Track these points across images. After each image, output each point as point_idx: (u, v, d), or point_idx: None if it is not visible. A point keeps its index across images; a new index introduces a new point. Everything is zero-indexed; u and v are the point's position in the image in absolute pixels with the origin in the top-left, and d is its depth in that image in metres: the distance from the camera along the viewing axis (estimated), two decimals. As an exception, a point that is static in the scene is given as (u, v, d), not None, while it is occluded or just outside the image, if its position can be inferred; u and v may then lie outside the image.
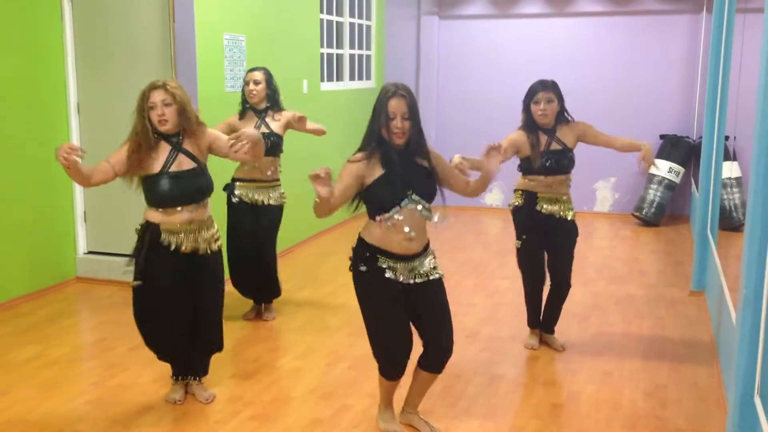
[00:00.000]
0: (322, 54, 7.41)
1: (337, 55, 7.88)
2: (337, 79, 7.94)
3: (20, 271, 5.25)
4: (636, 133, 8.24)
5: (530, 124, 4.20)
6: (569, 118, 4.28)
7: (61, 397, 3.75)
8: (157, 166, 3.41)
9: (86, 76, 5.66)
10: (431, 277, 3.15)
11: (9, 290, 5.16)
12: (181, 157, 3.44)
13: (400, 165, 3.04)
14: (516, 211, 4.29)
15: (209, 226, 3.56)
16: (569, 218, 4.26)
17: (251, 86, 4.68)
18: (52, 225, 5.54)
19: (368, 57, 8.67)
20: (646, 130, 8.23)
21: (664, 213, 7.97)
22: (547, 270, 4.36)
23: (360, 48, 8.44)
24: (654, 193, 7.91)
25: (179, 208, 3.43)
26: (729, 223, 6.16)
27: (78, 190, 5.72)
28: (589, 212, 8.56)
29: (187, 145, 3.47)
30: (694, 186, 7.75)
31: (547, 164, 4.14)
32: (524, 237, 4.25)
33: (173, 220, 3.43)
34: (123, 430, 3.42)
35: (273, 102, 4.77)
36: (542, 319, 4.46)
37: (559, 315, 4.47)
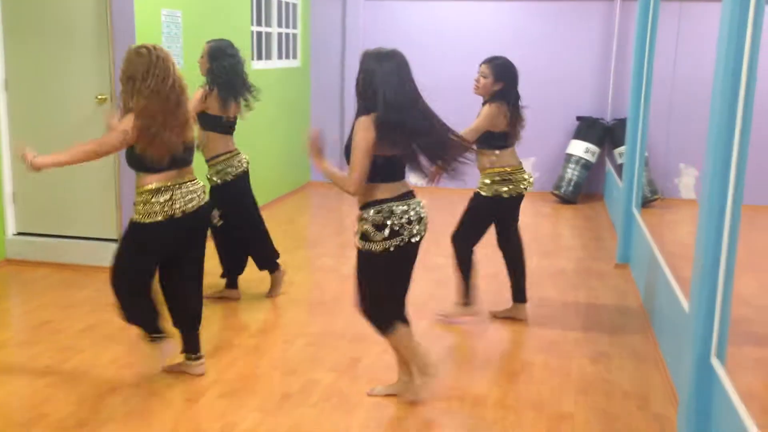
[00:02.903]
0: (251, 32, 7.34)
1: (265, 33, 7.81)
2: (266, 58, 7.88)
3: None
4: (555, 115, 8.67)
5: None
6: (504, 100, 4.38)
7: (19, 382, 3.66)
8: None
9: (14, 50, 5.42)
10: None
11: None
12: None
13: None
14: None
15: None
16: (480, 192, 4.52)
17: None
18: (-21, 206, 5.30)
19: (294, 36, 8.64)
20: (563, 112, 8.63)
21: (580, 191, 8.38)
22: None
23: (287, 27, 8.39)
24: (572, 173, 8.30)
25: None
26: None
27: (6, 170, 5.48)
28: (509, 191, 8.87)
29: None
30: (609, 165, 8.18)
31: None
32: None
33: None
34: (92, 411, 3.38)
35: None
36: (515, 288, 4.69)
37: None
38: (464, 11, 8.75)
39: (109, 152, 3.47)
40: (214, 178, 4.66)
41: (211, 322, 4.51)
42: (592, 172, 8.45)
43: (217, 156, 4.65)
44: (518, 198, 4.53)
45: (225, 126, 4.66)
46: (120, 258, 3.55)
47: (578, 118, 8.51)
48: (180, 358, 3.80)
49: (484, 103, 4.44)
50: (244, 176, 4.76)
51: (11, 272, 5.40)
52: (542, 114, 8.76)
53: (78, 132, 5.14)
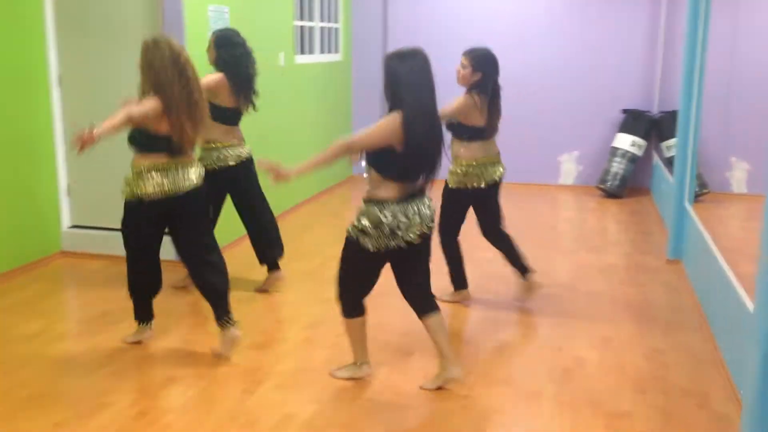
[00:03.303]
0: (295, 26, 7.37)
1: (307, 27, 7.83)
2: (309, 52, 7.91)
3: (4, 246, 5.11)
4: (599, 107, 8.56)
5: None
6: (482, 91, 4.38)
7: (80, 370, 3.74)
8: None
9: (68, 47, 5.51)
10: None
11: (-5, 265, 5.04)
12: None
13: None
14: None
15: None
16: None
17: None
18: (35, 199, 5.40)
19: (336, 30, 8.65)
20: (607, 105, 8.51)
21: (626, 185, 8.27)
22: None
23: (328, 21, 8.41)
24: (618, 166, 8.19)
25: None
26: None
27: (62, 164, 5.59)
28: (553, 185, 8.80)
29: None
30: (656, 158, 8.06)
31: None
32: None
33: None
34: (151, 400, 3.45)
35: None
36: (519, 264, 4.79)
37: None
38: (506, 3, 8.66)
39: (139, 120, 3.58)
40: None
41: (261, 316, 4.56)
42: (638, 165, 8.33)
43: (211, 143, 4.63)
44: (486, 190, 4.51)
45: (227, 116, 4.64)
46: (123, 234, 3.88)
47: (624, 111, 8.39)
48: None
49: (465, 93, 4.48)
50: (232, 169, 4.70)
51: (66, 264, 5.51)
52: (586, 106, 8.69)
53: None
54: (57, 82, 5.54)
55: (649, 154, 8.36)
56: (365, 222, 3.32)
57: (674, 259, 5.73)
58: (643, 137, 8.18)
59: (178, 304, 4.67)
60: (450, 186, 4.55)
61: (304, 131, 7.53)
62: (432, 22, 8.74)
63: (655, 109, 8.32)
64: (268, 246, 4.99)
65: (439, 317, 3.58)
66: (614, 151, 8.25)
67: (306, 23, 7.76)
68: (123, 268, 3.97)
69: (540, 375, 3.81)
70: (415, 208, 3.35)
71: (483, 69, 4.42)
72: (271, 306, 4.76)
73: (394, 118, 3.24)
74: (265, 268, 5.03)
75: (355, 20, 9.03)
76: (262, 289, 4.97)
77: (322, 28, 8.20)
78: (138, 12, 5.36)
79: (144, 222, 3.79)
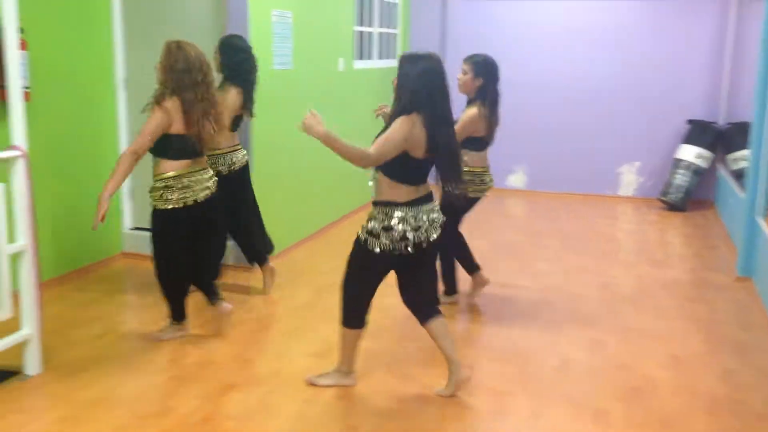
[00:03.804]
0: (355, 32, 7.35)
1: (366, 32, 7.81)
2: (367, 58, 7.88)
3: (67, 247, 5.17)
4: (662, 118, 8.35)
5: None
6: (484, 99, 4.40)
7: (142, 373, 3.75)
8: None
9: (134, 51, 5.58)
10: None
11: (58, 266, 5.09)
12: None
13: None
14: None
15: None
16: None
17: None
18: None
19: (393, 36, 8.61)
20: (671, 115, 8.30)
21: (690, 198, 8.03)
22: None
23: (386, 26, 8.37)
24: (681, 178, 7.96)
25: None
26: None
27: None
28: (613, 196, 8.61)
29: None
30: (722, 171, 7.81)
31: None
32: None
33: None
34: (215, 406, 3.43)
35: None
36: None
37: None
38: (566, 10, 8.50)
39: (147, 145, 3.75)
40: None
41: (317, 323, 4.52)
42: (702, 178, 8.08)
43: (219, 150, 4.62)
44: (476, 200, 4.62)
45: (231, 121, 4.62)
46: (154, 244, 3.97)
47: (689, 122, 8.16)
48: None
49: (468, 102, 4.47)
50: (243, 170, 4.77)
51: (127, 266, 5.57)
52: (647, 117, 8.48)
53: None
54: (123, 84, 5.61)
55: (713, 166, 8.11)
56: (374, 224, 3.33)
57: (744, 276, 5.52)
58: (708, 149, 7.94)
59: (236, 311, 4.66)
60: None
61: (365, 133, 7.47)
62: (492, 29, 8.63)
63: (720, 120, 8.07)
64: (262, 243, 5.00)
65: (442, 321, 3.56)
66: (678, 162, 8.03)
67: (365, 29, 7.74)
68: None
69: (608, 393, 3.68)
70: (425, 212, 3.33)
71: (484, 75, 4.42)
72: (325, 313, 4.71)
73: (407, 122, 3.23)
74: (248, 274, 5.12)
75: (413, 26, 8.98)
76: (268, 289, 5.00)
77: (380, 34, 8.17)
78: (203, 16, 5.40)
79: (178, 227, 3.90)
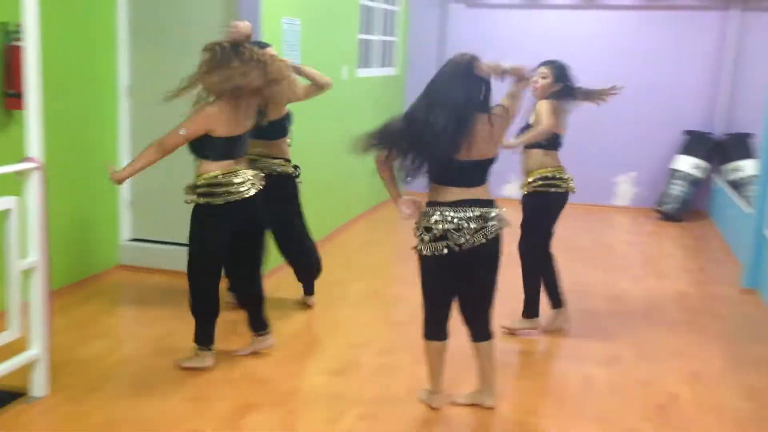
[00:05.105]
0: (357, 39, 7.25)
1: (368, 41, 7.72)
2: (368, 66, 7.80)
3: (64, 260, 4.95)
4: (658, 128, 8.35)
5: None
6: (559, 98, 4.36)
7: (155, 394, 3.59)
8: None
9: (139, 59, 5.44)
10: None
11: (55, 280, 4.87)
12: None
13: None
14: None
15: None
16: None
17: None
18: (95, 210, 5.29)
19: (392, 43, 8.53)
20: (668, 125, 8.30)
21: (687, 208, 8.03)
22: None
23: (385, 34, 8.29)
24: (679, 189, 7.96)
25: None
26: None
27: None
28: (608, 206, 8.59)
29: None
30: (720, 181, 7.82)
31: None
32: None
33: None
34: (234, 427, 3.30)
35: None
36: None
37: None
38: (564, 20, 8.50)
39: (178, 143, 3.68)
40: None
41: (331, 340, 4.41)
42: (698, 188, 8.08)
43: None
44: (565, 196, 4.49)
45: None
46: (192, 243, 3.80)
47: (686, 132, 8.17)
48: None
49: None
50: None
51: (125, 279, 5.39)
52: (644, 127, 8.47)
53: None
54: (127, 92, 5.46)
55: (707, 176, 8.12)
56: (419, 226, 3.32)
57: (750, 288, 5.50)
58: (705, 159, 7.95)
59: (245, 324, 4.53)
60: (533, 192, 4.45)
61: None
62: (490, 38, 8.56)
63: (716, 131, 8.09)
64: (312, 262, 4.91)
65: (491, 346, 3.50)
66: (674, 173, 8.03)
67: (367, 37, 7.65)
68: (183, 283, 3.87)
69: (633, 411, 3.61)
70: (470, 214, 3.24)
71: (563, 80, 4.41)
72: (337, 328, 4.60)
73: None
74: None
75: (411, 34, 8.91)
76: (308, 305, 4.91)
77: (382, 42, 8.08)
78: (213, 23, 5.25)
79: (220, 223, 3.77)
